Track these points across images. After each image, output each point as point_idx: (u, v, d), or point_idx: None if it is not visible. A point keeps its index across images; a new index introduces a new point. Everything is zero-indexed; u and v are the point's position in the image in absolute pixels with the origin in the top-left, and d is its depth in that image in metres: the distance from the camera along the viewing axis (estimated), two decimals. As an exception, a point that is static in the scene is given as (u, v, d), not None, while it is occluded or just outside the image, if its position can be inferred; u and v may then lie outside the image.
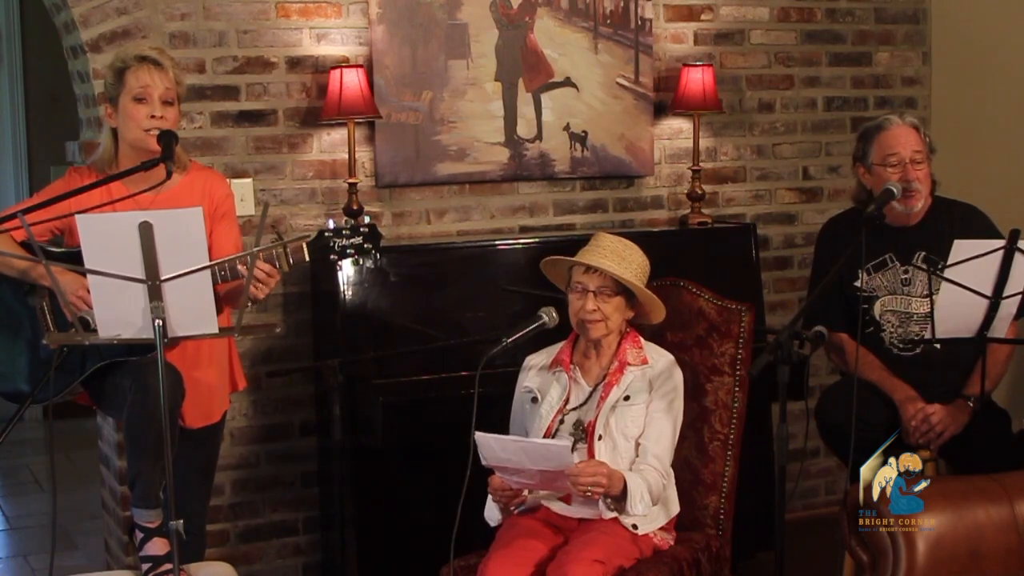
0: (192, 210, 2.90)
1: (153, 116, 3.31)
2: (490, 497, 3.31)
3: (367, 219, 3.19)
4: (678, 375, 3.37)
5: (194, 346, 3.36)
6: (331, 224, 3.16)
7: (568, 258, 3.36)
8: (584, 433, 3.28)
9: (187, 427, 3.45)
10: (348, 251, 3.14)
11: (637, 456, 3.26)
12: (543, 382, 3.39)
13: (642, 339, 3.40)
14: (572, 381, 3.36)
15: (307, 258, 3.18)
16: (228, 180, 3.70)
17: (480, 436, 3.06)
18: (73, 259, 3.15)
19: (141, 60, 3.34)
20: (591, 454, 3.25)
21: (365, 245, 3.16)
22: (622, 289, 3.31)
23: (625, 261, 3.29)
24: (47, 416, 3.26)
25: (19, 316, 3.39)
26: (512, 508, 3.31)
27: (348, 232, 3.14)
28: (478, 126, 4.58)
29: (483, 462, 3.11)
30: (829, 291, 3.78)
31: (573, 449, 3.17)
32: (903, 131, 3.79)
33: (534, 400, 3.38)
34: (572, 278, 3.35)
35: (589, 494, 3.11)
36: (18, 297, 3.38)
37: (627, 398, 3.29)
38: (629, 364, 3.33)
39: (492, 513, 3.34)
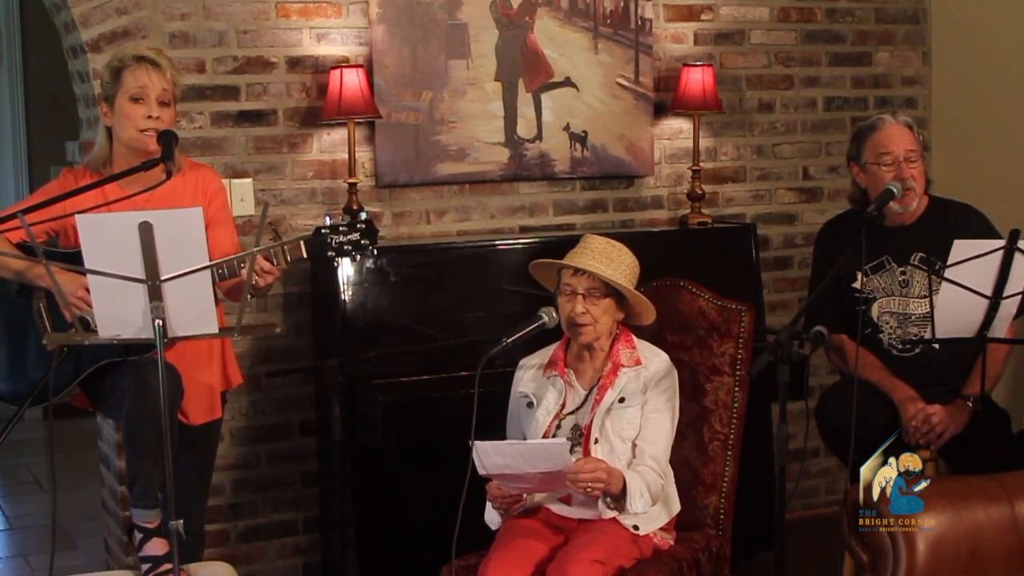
0: (192, 210, 2.90)
1: (149, 116, 3.31)
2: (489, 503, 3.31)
3: (363, 215, 3.18)
4: (672, 373, 3.36)
5: (193, 346, 3.36)
6: (328, 221, 3.16)
7: (556, 261, 3.35)
8: (581, 436, 3.27)
9: (189, 424, 3.45)
10: (345, 247, 3.14)
11: (634, 457, 3.26)
12: (538, 386, 3.38)
13: (635, 338, 3.39)
14: (567, 385, 3.35)
15: (304, 255, 3.18)
16: (220, 175, 3.70)
17: (478, 444, 3.05)
18: (71, 260, 3.15)
19: (139, 60, 3.34)
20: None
21: (362, 241, 3.15)
22: (612, 291, 3.30)
23: (614, 263, 3.28)
24: (47, 416, 3.25)
25: (4, 320, 3.39)
26: (513, 512, 3.30)
27: (345, 229, 3.14)
28: (478, 126, 4.58)
29: (480, 471, 3.10)
30: (829, 292, 3.78)
31: (570, 452, 3.16)
32: (896, 130, 3.79)
33: (530, 405, 3.37)
34: (561, 280, 3.34)
35: (589, 490, 3.11)
36: (7, 301, 3.37)
37: (622, 400, 3.28)
38: (623, 365, 3.32)
39: (492, 517, 3.34)
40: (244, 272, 3.12)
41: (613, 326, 3.35)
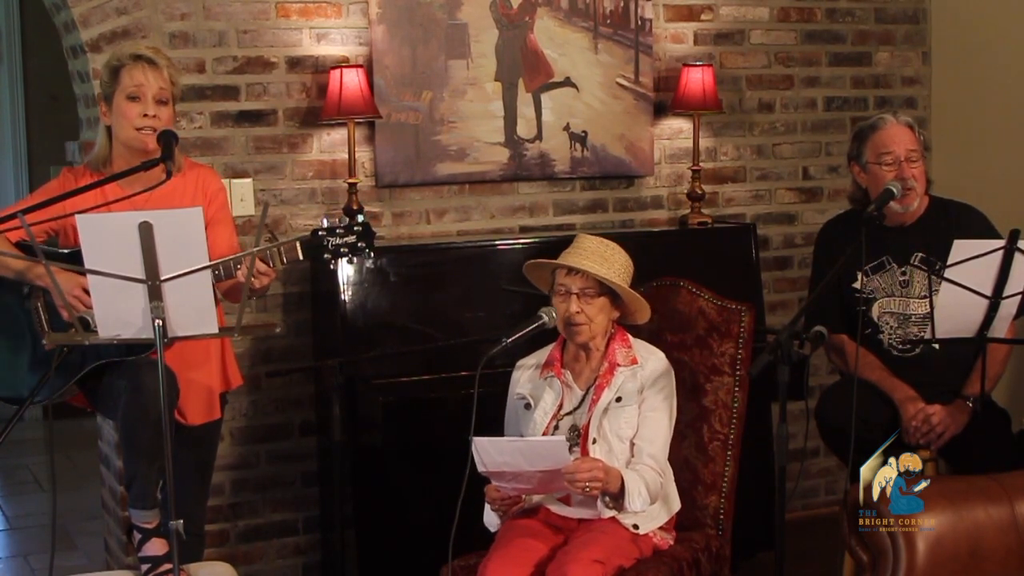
0: (192, 210, 2.90)
1: (146, 115, 3.31)
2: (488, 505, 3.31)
3: (360, 217, 3.18)
4: (669, 372, 3.35)
5: (191, 346, 3.36)
6: (325, 223, 3.16)
7: (550, 261, 3.35)
8: (579, 437, 3.27)
9: (187, 424, 3.45)
10: (342, 250, 3.14)
11: (632, 456, 3.26)
12: (535, 388, 3.38)
13: (631, 337, 3.39)
14: (564, 386, 3.35)
15: (301, 256, 3.18)
16: (220, 175, 3.70)
17: (477, 441, 3.05)
18: (70, 260, 3.14)
19: (136, 59, 3.34)
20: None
21: (359, 243, 3.15)
22: (606, 290, 3.29)
23: (607, 262, 3.28)
24: (47, 416, 3.26)
25: (21, 323, 3.38)
26: (511, 513, 3.30)
27: (342, 231, 3.14)
28: (478, 126, 4.58)
29: (480, 469, 3.10)
30: (829, 292, 3.78)
31: (569, 452, 3.16)
32: (898, 130, 3.79)
33: (527, 406, 3.37)
34: (555, 280, 3.34)
35: (587, 490, 3.11)
36: (20, 303, 3.37)
37: (619, 399, 3.28)
38: (619, 365, 3.32)
39: (491, 519, 3.33)
40: (239, 273, 3.12)
41: (608, 325, 3.35)
